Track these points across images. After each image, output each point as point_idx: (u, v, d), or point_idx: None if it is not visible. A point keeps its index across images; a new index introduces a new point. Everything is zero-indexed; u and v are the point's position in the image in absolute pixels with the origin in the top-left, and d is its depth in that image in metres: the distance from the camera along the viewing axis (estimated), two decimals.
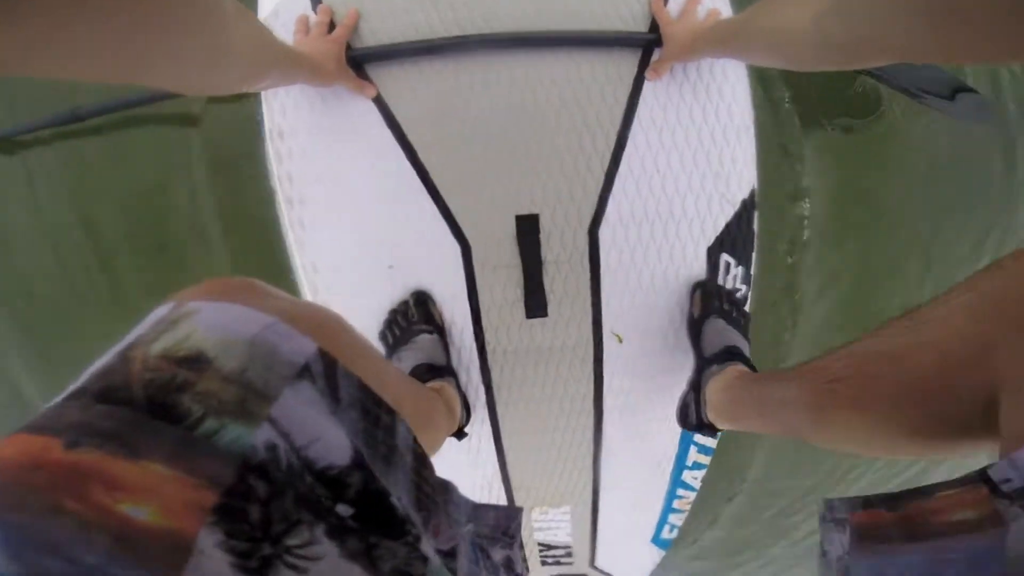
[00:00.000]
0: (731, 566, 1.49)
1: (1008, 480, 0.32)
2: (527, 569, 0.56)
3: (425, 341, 0.93)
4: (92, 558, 0.23)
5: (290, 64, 0.73)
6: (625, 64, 0.89)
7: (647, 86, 0.89)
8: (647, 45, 0.88)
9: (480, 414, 1.01)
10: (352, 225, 0.93)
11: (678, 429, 1.04)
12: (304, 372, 0.33)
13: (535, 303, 0.95)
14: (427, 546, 0.35)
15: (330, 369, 0.35)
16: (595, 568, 1.19)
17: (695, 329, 0.95)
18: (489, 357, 0.97)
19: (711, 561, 1.47)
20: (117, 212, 1.14)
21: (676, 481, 1.11)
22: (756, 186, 0.96)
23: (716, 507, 1.39)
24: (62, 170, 1.14)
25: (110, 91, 1.07)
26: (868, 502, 0.40)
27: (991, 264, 0.43)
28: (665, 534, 1.17)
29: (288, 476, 0.30)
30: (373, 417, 0.37)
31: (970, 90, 1.04)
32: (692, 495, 1.13)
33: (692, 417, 0.92)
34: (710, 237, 0.96)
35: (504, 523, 0.52)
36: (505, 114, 0.88)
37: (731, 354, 0.87)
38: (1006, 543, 0.31)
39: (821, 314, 1.24)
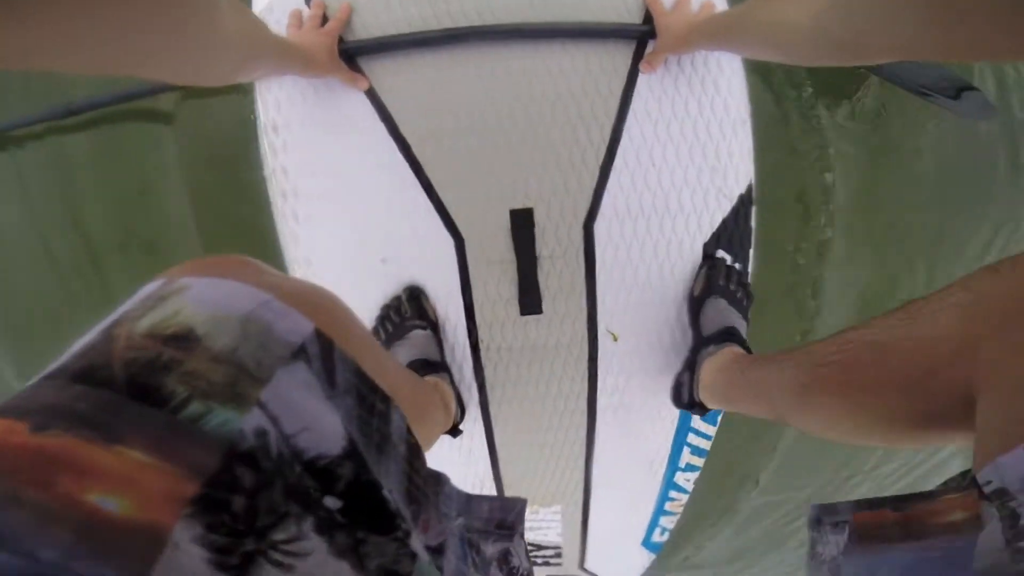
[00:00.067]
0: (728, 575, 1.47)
1: (990, 482, 0.33)
2: (530, 561, 0.54)
3: (419, 337, 0.91)
4: (49, 552, 0.21)
5: (282, 55, 0.73)
6: (619, 56, 0.88)
7: (642, 79, 0.88)
8: (641, 37, 0.87)
9: (472, 412, 0.99)
10: (345, 219, 0.92)
11: (672, 430, 1.03)
12: (300, 353, 0.31)
13: (529, 300, 0.93)
14: (416, 542, 0.33)
15: (327, 351, 0.33)
16: (584, 570, 1.17)
17: (695, 307, 0.94)
18: (483, 354, 0.96)
19: (706, 569, 1.45)
20: (106, 211, 1.14)
21: (668, 483, 1.09)
22: (753, 181, 0.95)
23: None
24: (51, 169, 1.14)
25: (102, 85, 1.07)
26: (873, 503, 0.40)
27: (988, 266, 0.44)
28: (656, 537, 1.15)
29: (278, 465, 0.28)
30: (368, 404, 0.36)
31: (974, 89, 1.03)
32: (684, 497, 1.11)
33: (684, 396, 0.92)
34: (706, 233, 0.95)
35: (498, 515, 0.50)
36: (498, 107, 0.88)
37: (729, 335, 0.87)
38: (977, 542, 0.31)
39: (835, 320, 1.22)
